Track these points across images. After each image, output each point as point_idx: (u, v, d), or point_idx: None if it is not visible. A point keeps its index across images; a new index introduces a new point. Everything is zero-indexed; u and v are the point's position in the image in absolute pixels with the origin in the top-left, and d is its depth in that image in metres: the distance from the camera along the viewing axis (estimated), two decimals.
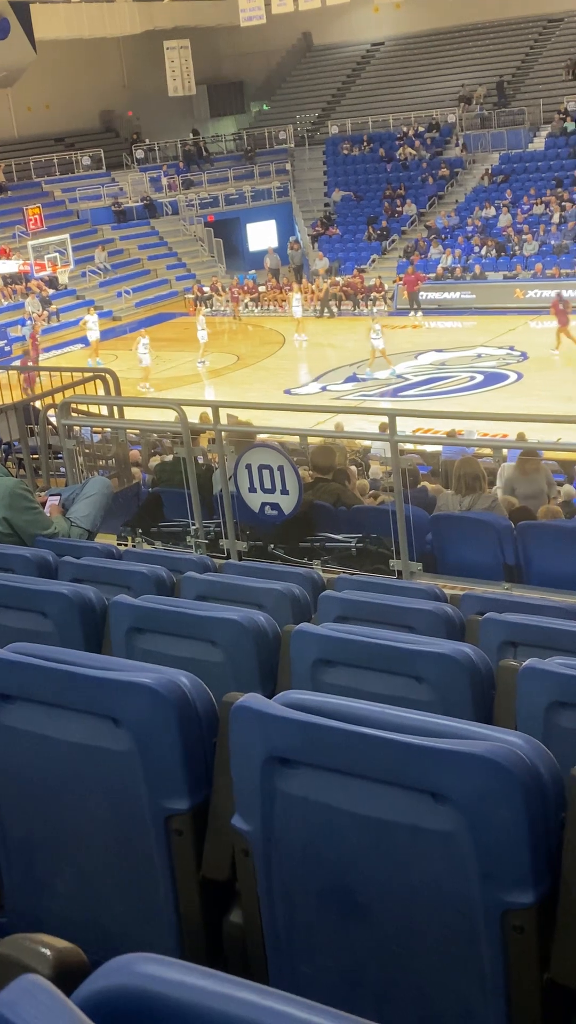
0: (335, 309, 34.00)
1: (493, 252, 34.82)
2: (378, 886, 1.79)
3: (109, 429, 9.84)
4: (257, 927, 1.97)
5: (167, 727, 2.01)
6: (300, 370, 28.50)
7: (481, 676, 2.82)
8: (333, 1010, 0.97)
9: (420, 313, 32.44)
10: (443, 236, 36.56)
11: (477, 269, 34.26)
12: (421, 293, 33.44)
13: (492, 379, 25.58)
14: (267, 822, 1.89)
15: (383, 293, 34.16)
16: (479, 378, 25.74)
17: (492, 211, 36.38)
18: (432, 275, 34.67)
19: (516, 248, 34.58)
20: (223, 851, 2.04)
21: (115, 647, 3.27)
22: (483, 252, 35.04)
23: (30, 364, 26.37)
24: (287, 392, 26.59)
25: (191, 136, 44.40)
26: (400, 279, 33.98)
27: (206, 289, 36.36)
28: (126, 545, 7.93)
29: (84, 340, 32.31)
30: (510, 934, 1.69)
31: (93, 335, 30.91)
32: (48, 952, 1.15)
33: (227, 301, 35.66)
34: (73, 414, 9.04)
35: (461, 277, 34.43)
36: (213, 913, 2.08)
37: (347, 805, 1.79)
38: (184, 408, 7.92)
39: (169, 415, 8.10)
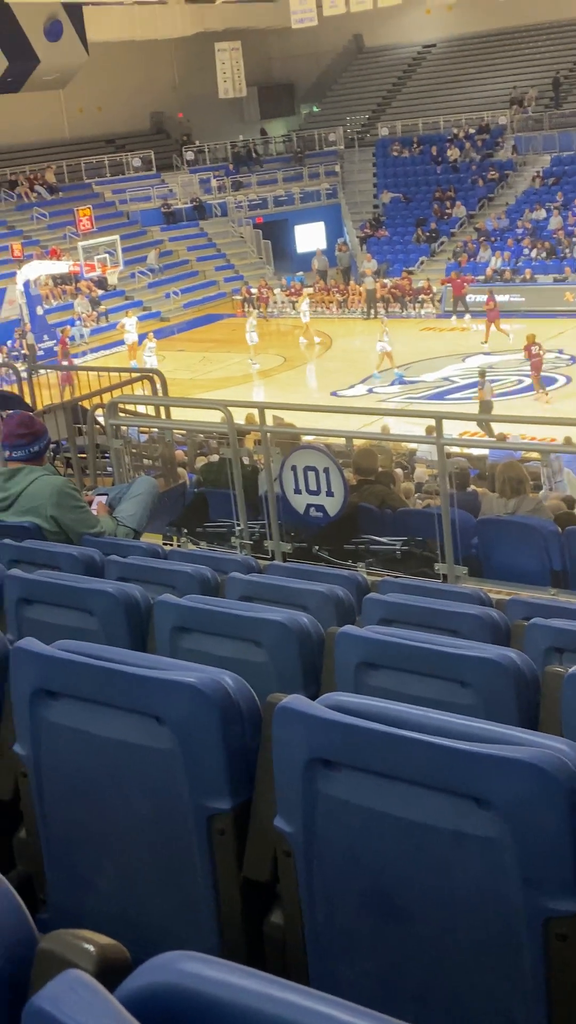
0: (383, 311, 33.96)
1: (543, 255, 34.58)
2: (419, 890, 1.79)
3: (156, 429, 9.88)
4: (298, 928, 1.97)
5: (210, 726, 2.01)
6: (347, 372, 28.46)
7: (526, 681, 2.80)
8: (373, 1012, 0.97)
9: (467, 316, 32.31)
10: (492, 238, 36.38)
11: (527, 273, 34.04)
12: (469, 296, 33.27)
13: (541, 383, 25.34)
14: (309, 824, 1.89)
15: (431, 295, 34.05)
16: (527, 381, 25.56)
17: (543, 213, 36.14)
18: (481, 277, 34.50)
19: (567, 251, 34.31)
20: (265, 852, 2.04)
21: (159, 646, 3.28)
22: (533, 255, 34.81)
23: (64, 364, 26.61)
24: (334, 394, 26.58)
25: (241, 139, 44.53)
26: (447, 281, 33.84)
27: (254, 291, 36.44)
28: (171, 545, 7.96)
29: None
30: (552, 942, 1.68)
31: (130, 338, 31.09)
32: (91, 948, 1.16)
33: (277, 303, 35.70)
34: (120, 414, 9.10)
35: (511, 280, 34.23)
36: (254, 913, 2.08)
37: (389, 808, 1.79)
38: (230, 409, 7.94)
39: (215, 416, 8.13)
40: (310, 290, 34.99)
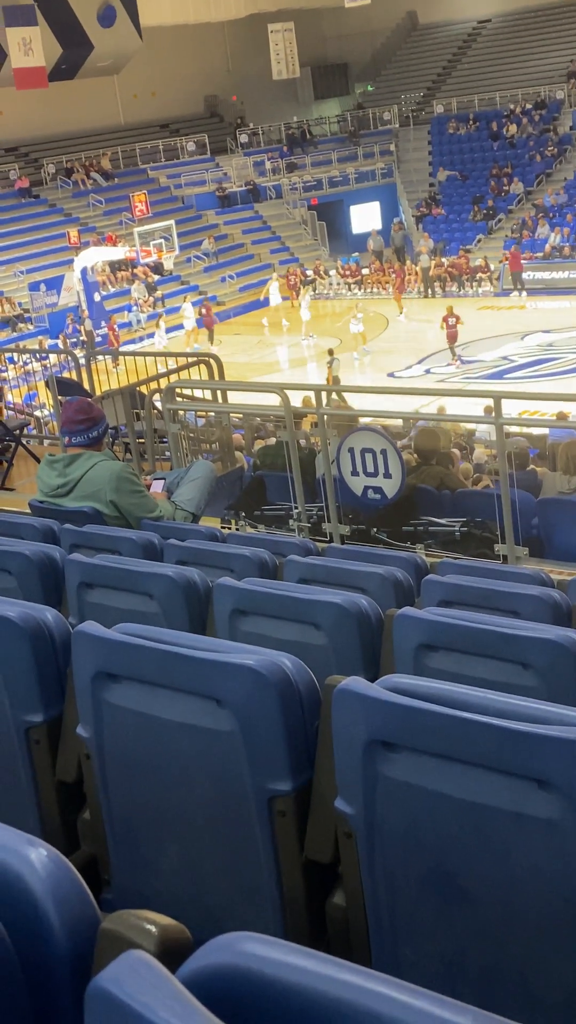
0: (438, 291, 33.72)
1: None
2: (480, 871, 1.78)
3: (213, 413, 9.91)
4: (360, 909, 1.97)
5: (270, 709, 2.02)
6: (404, 353, 28.30)
7: None
8: (435, 994, 0.97)
9: (524, 293, 31.96)
10: (551, 215, 35.89)
11: None
12: (528, 273, 32.90)
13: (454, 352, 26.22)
14: (369, 805, 1.89)
15: (488, 274, 33.72)
16: None
17: None
18: (540, 254, 34.08)
19: None
20: (326, 833, 2.05)
21: (219, 629, 3.29)
22: None
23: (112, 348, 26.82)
24: (391, 375, 26.45)
25: (295, 121, 44.35)
26: (506, 258, 33.49)
27: (309, 273, 36.30)
28: (229, 528, 7.99)
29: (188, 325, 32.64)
30: None
31: (189, 324, 31.24)
32: (153, 928, 1.17)
33: (332, 284, 35.58)
34: (178, 399, 9.13)
35: (569, 256, 33.77)
36: (316, 894, 2.09)
37: (449, 790, 1.78)
38: (287, 392, 7.94)
39: (272, 399, 8.12)
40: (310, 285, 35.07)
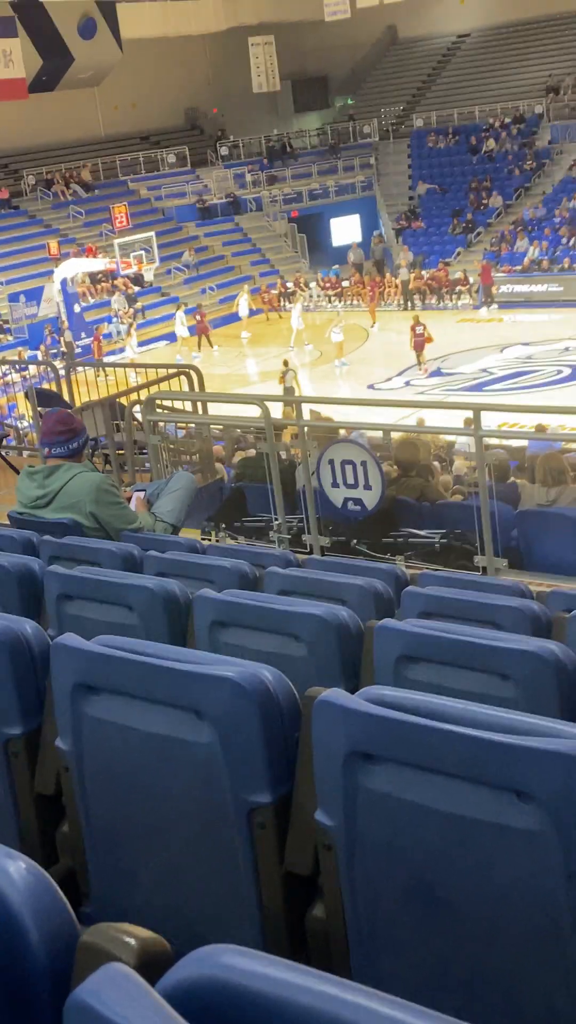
0: (417, 303, 33.85)
1: None
2: (461, 883, 1.78)
3: (193, 425, 9.91)
4: (340, 922, 1.97)
5: (249, 720, 2.01)
6: (383, 365, 28.38)
7: (568, 674, 2.78)
8: (416, 1006, 0.97)
9: (494, 307, 32.13)
10: (530, 228, 36.12)
11: (565, 262, 33.77)
12: (507, 286, 33.07)
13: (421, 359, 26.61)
14: (350, 817, 1.89)
15: (468, 287, 33.87)
16: (566, 372, 25.39)
17: None
18: (519, 267, 34.27)
19: None
20: (306, 845, 2.04)
21: (199, 641, 3.29)
22: (571, 244, 34.53)
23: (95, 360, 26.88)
24: (371, 387, 26.51)
25: (276, 134, 44.50)
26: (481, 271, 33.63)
27: (289, 285, 36.38)
28: (210, 540, 7.98)
29: (171, 336, 32.65)
30: None
31: (182, 331, 31.30)
32: (132, 941, 1.17)
33: (313, 297, 35.71)
34: (158, 410, 9.13)
35: (548, 269, 33.97)
36: (296, 907, 2.08)
37: (430, 802, 1.78)
38: (267, 404, 7.95)
39: (253, 411, 8.13)
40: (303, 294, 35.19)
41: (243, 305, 33.31)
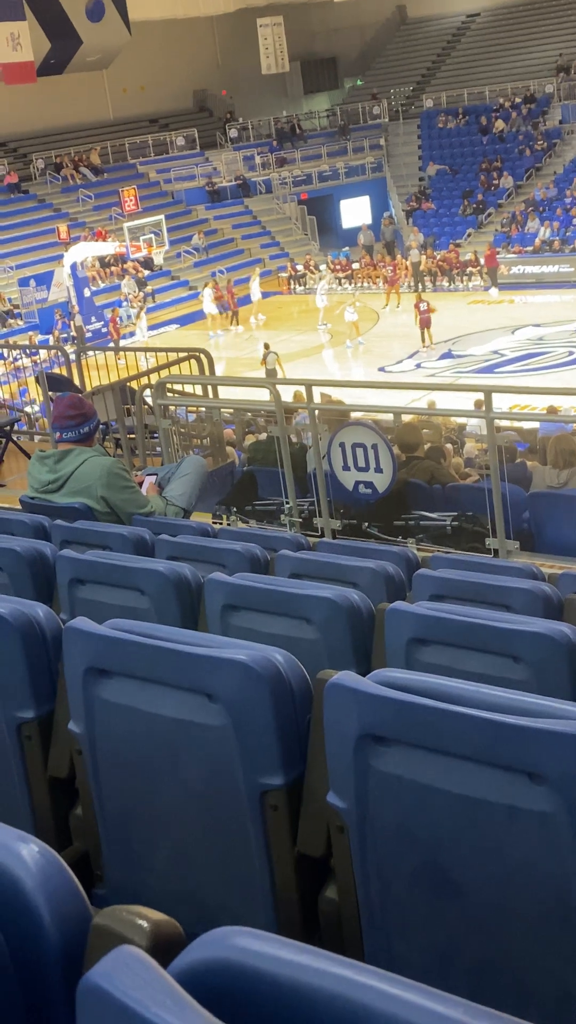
0: (428, 284, 33.71)
1: None
2: (473, 865, 1.78)
3: (204, 409, 9.90)
4: (352, 904, 1.97)
5: (261, 703, 2.02)
6: (394, 347, 28.30)
7: None
8: (428, 988, 0.97)
9: (496, 290, 32.02)
10: (541, 209, 35.92)
11: None
12: (518, 267, 32.91)
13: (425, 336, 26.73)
14: (361, 799, 1.89)
15: (479, 268, 33.70)
16: None
17: None
18: (530, 248, 34.09)
19: None
20: (318, 827, 2.05)
21: (210, 624, 3.29)
22: None
23: (112, 344, 26.84)
24: (381, 370, 26.45)
25: (285, 115, 44.30)
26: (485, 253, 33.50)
27: (299, 267, 36.27)
28: (221, 523, 7.99)
29: (179, 321, 32.62)
30: None
31: (209, 308, 31.33)
32: (144, 924, 1.17)
33: (321, 279, 35.64)
34: (168, 394, 9.12)
35: (559, 250, 33.79)
36: (308, 889, 2.09)
37: (441, 784, 1.78)
38: (278, 387, 7.93)
39: (263, 394, 8.12)
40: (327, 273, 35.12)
41: (255, 288, 33.18)
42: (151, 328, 32.14)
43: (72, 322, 31.36)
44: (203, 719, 2.06)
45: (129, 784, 2.23)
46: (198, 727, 2.07)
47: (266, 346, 26.21)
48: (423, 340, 27.79)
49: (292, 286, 35.66)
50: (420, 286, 33.74)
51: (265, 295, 34.59)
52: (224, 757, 2.05)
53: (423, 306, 27.91)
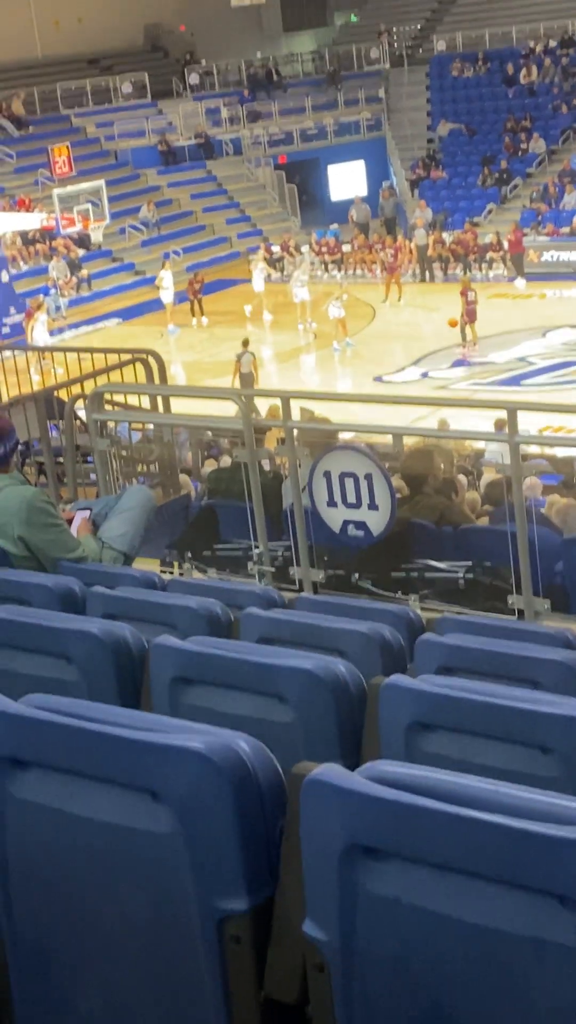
0: (438, 273, 34.00)
1: None
2: (489, 1012, 1.78)
3: (152, 426, 9.92)
4: None
5: (221, 804, 2.02)
6: (394, 351, 28.49)
7: None
8: None
9: (523, 281, 32.31)
10: None
11: None
12: (550, 253, 33.25)
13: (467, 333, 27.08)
14: (347, 929, 1.89)
15: (501, 253, 34.00)
16: None
17: None
18: (566, 229, 34.48)
19: None
20: (291, 965, 2.05)
21: (156, 701, 3.30)
22: None
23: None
24: (378, 380, 26.61)
25: (259, 58, 44.75)
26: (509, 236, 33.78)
27: (276, 249, 36.48)
28: (172, 573, 7.99)
29: (122, 314, 32.71)
30: None
31: (167, 296, 31.42)
32: None
33: (298, 267, 35.93)
34: (107, 407, 9.14)
35: None
36: None
37: (449, 910, 1.79)
38: (247, 400, 7.97)
39: (228, 408, 8.16)
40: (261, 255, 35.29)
41: (258, 276, 33.08)
42: (87, 323, 32.25)
43: None
44: (146, 824, 2.06)
45: (50, 907, 2.23)
46: (139, 835, 2.07)
47: (244, 343, 26.08)
48: (463, 337, 27.96)
49: (267, 273, 35.85)
50: (428, 275, 34.02)
51: (228, 284, 34.76)
52: (171, 874, 2.05)
53: (471, 295, 28.01)
